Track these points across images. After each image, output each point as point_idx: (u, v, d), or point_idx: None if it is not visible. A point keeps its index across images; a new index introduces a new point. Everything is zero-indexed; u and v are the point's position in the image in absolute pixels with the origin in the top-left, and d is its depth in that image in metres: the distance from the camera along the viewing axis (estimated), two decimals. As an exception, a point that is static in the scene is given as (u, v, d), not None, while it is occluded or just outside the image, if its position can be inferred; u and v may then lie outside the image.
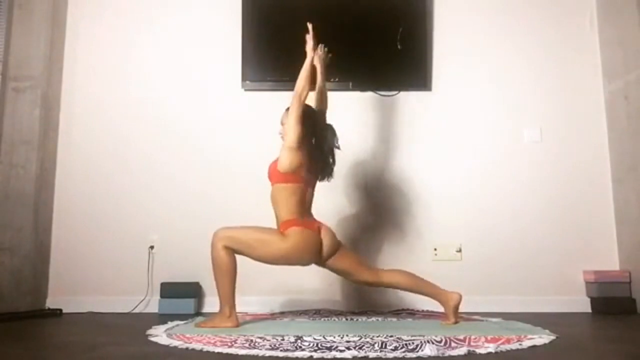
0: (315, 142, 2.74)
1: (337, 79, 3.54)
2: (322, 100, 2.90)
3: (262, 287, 3.34)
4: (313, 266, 3.23)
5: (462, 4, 3.68)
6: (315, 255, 2.67)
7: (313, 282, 3.36)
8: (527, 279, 3.38)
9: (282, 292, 3.38)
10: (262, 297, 3.33)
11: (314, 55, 2.79)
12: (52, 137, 3.55)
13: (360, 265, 2.77)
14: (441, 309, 3.02)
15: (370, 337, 2.22)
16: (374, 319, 2.91)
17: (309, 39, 2.80)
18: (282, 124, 2.80)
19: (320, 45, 2.87)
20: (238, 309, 2.64)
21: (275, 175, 2.70)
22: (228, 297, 2.59)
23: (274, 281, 3.35)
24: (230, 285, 2.59)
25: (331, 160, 2.78)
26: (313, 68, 2.77)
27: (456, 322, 2.67)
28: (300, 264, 2.73)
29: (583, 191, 3.49)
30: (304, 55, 2.77)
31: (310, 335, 2.25)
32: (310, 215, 2.77)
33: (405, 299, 3.29)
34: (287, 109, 2.76)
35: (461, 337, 2.20)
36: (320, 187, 3.45)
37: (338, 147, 2.79)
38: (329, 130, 2.80)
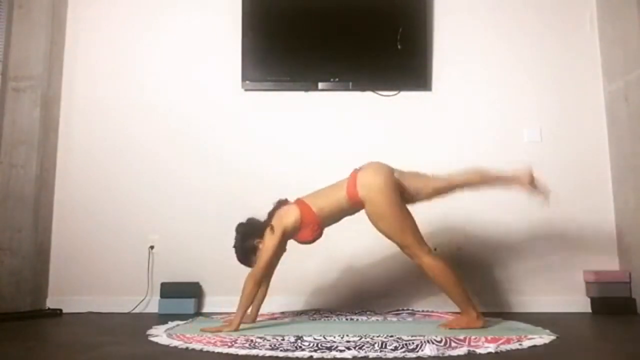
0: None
1: (337, 79, 3.54)
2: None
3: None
4: (312, 266, 3.26)
5: (462, 4, 3.68)
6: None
7: (313, 282, 3.36)
8: (527, 278, 3.38)
9: (282, 292, 3.37)
10: (262, 297, 3.33)
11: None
12: (52, 137, 3.54)
13: (427, 177, 2.74)
14: (441, 309, 3.04)
15: (370, 337, 2.22)
16: (374, 319, 2.91)
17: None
18: None
19: None
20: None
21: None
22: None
23: (274, 281, 3.34)
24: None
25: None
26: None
27: None
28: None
29: (583, 191, 3.48)
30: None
31: (310, 335, 2.25)
32: None
33: (405, 299, 3.30)
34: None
35: (461, 337, 2.20)
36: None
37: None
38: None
